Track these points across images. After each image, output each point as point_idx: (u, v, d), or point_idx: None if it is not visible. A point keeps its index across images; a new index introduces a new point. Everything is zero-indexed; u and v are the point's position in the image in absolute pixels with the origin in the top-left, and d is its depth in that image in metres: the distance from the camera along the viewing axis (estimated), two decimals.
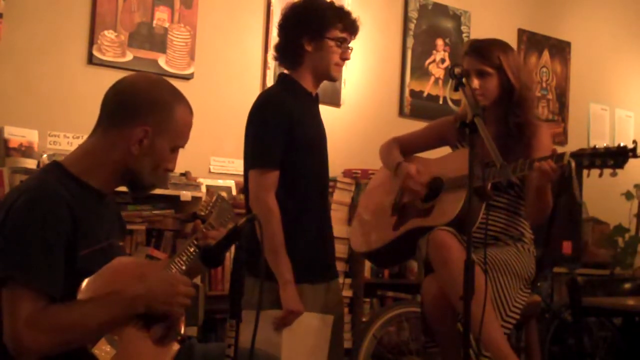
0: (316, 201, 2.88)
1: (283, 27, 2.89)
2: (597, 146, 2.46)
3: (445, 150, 3.15)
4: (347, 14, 2.88)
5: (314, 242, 2.84)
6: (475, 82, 2.85)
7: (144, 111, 1.96)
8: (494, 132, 2.87)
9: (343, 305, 3.09)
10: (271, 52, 4.41)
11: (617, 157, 2.39)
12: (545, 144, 2.86)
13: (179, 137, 2.02)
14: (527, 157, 2.72)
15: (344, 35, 2.84)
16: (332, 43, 2.81)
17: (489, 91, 2.87)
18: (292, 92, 2.85)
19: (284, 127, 2.76)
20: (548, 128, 3.00)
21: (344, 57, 2.87)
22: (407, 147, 3.15)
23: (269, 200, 2.73)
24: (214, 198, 2.20)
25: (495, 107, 2.89)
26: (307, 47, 2.82)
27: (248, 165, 2.84)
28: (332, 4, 2.90)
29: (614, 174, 2.40)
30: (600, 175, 2.43)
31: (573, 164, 2.46)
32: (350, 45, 2.89)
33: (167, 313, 1.94)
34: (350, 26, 2.85)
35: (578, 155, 2.46)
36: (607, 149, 2.42)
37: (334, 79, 2.94)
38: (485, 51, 2.89)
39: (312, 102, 2.92)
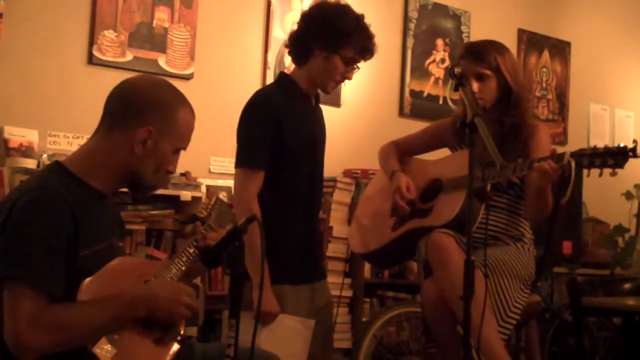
0: (304, 203, 2.85)
1: (305, 20, 2.82)
2: (597, 146, 2.46)
3: (444, 152, 3.15)
4: (369, 39, 2.79)
5: (298, 244, 2.82)
6: (475, 85, 2.84)
7: (147, 112, 1.96)
8: (492, 133, 2.86)
9: (332, 306, 3.07)
10: (272, 53, 4.49)
11: (617, 156, 2.39)
12: (543, 143, 2.86)
13: (182, 139, 2.03)
14: (525, 157, 2.72)
15: (356, 57, 2.79)
16: (340, 61, 2.76)
17: (487, 94, 2.87)
18: (287, 91, 2.82)
19: (271, 127, 2.74)
20: (546, 128, 3.00)
21: (346, 77, 2.83)
22: (406, 150, 3.15)
23: (250, 200, 2.71)
24: (213, 200, 2.20)
25: (494, 109, 2.89)
26: (315, 51, 2.77)
27: (235, 164, 2.84)
28: (360, 20, 2.80)
29: (613, 174, 2.41)
30: (600, 174, 2.43)
31: (573, 164, 2.47)
32: (358, 65, 2.83)
33: (169, 320, 1.94)
34: (365, 52, 2.79)
35: (578, 155, 2.46)
36: (607, 148, 2.42)
37: (327, 93, 2.90)
38: (482, 53, 2.87)
39: (308, 102, 2.89)
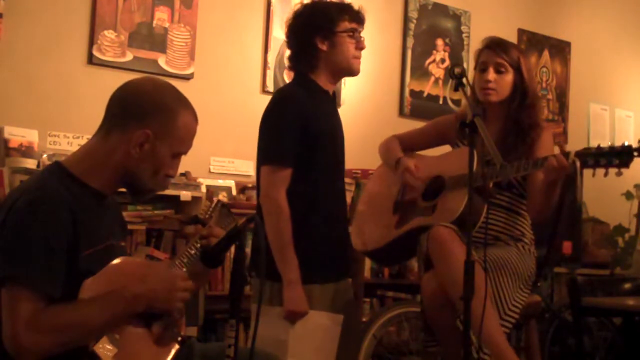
0: (329, 199, 2.87)
1: (292, 34, 2.90)
2: (601, 145, 2.45)
3: (445, 148, 3.15)
4: (349, 6, 2.91)
5: (323, 242, 2.82)
6: (492, 74, 2.87)
7: (147, 115, 1.95)
8: (499, 130, 2.88)
9: (353, 305, 3.08)
10: (272, 53, 4.49)
11: (622, 156, 2.38)
12: (548, 146, 2.88)
13: (181, 143, 2.00)
14: (528, 158, 2.72)
15: (353, 25, 2.86)
16: (344, 35, 2.83)
17: (502, 87, 2.89)
18: (308, 89, 2.85)
19: (298, 125, 2.76)
20: (550, 130, 3.01)
21: (360, 47, 2.89)
22: (407, 144, 3.15)
23: (279, 198, 2.72)
24: (214, 203, 2.20)
25: (504, 106, 2.91)
26: (321, 47, 2.83)
27: (260, 161, 2.83)
28: (331, 1, 2.94)
29: (619, 174, 2.40)
30: (606, 174, 2.42)
31: (578, 163, 2.46)
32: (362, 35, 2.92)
33: (168, 309, 1.94)
34: (356, 16, 2.88)
35: (583, 154, 2.46)
36: (611, 148, 2.41)
37: (355, 72, 2.94)
38: (506, 47, 2.93)
39: (328, 100, 2.93)
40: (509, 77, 2.89)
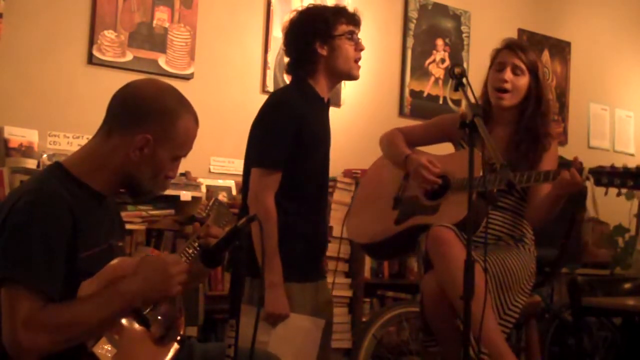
0: (312, 202, 2.90)
1: (290, 41, 2.92)
2: (614, 165, 2.45)
3: (445, 146, 3.13)
4: (344, 9, 2.94)
5: (305, 242, 2.85)
6: (509, 74, 2.87)
7: (147, 119, 1.95)
8: (510, 135, 2.87)
9: (332, 305, 3.10)
10: (272, 53, 4.49)
11: (637, 178, 2.38)
12: (554, 157, 2.89)
13: (181, 147, 2.01)
14: (533, 167, 2.74)
15: (350, 28, 2.88)
16: (343, 38, 2.85)
17: (517, 90, 2.88)
18: (304, 94, 2.87)
19: (291, 129, 2.78)
20: (556, 140, 3.01)
21: (359, 48, 2.91)
22: (409, 139, 3.13)
23: (267, 201, 2.74)
24: (212, 201, 2.20)
25: (515, 110, 2.90)
26: (321, 52, 2.84)
27: (251, 163, 2.84)
28: (326, 5, 2.96)
29: (630, 195, 2.41)
30: (619, 194, 2.43)
31: (592, 180, 2.46)
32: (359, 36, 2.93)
33: (167, 296, 1.93)
34: (352, 18, 2.90)
35: (597, 172, 2.46)
36: (625, 169, 2.41)
37: (355, 76, 2.95)
38: (526, 49, 2.92)
39: (322, 106, 2.94)
40: (524, 80, 2.88)
